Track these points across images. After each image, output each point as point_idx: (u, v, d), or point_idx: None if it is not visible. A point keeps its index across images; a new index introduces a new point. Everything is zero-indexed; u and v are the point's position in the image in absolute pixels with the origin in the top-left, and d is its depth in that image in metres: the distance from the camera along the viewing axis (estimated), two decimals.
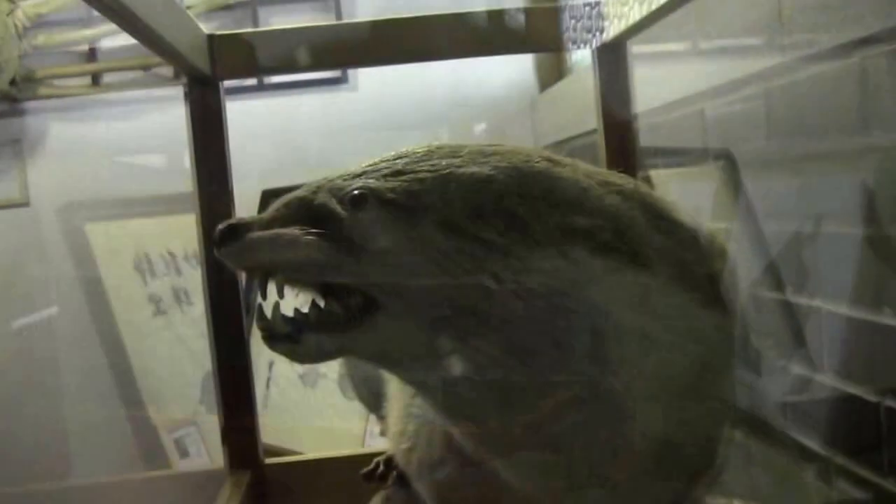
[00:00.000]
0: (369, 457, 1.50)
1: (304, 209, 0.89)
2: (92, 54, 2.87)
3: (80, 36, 2.84)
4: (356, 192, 0.88)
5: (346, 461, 1.62)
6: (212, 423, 2.68)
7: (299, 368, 2.76)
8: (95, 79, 2.88)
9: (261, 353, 2.71)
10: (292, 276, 0.88)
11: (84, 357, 2.84)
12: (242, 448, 1.58)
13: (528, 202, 0.87)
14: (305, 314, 0.88)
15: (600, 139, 1.62)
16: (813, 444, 1.27)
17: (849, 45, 1.11)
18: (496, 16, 1.61)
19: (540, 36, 1.63)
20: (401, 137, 2.94)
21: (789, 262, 1.31)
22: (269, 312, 0.88)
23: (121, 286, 2.83)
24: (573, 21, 1.66)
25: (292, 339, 0.88)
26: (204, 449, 2.77)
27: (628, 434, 0.90)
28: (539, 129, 3.07)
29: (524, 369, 0.86)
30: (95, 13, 2.83)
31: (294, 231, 0.87)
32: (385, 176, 0.89)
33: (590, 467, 0.92)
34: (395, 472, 1.39)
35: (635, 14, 1.44)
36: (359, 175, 0.90)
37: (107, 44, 2.87)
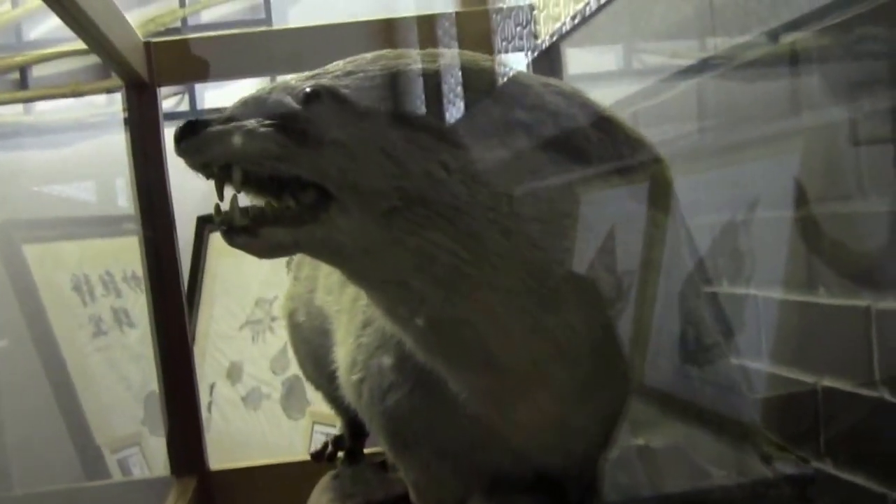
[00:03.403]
0: (312, 463, 1.52)
1: (260, 106, 0.92)
2: (23, 81, 2.84)
3: (10, 62, 2.81)
4: (309, 88, 0.91)
5: (290, 467, 1.63)
6: (154, 444, 2.65)
7: (241, 391, 2.74)
8: (27, 105, 2.85)
9: (202, 378, 2.69)
10: (249, 168, 0.89)
11: (25, 378, 2.79)
12: (188, 454, 1.58)
13: (472, 96, 0.92)
14: (262, 209, 0.91)
15: None
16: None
17: (778, 28, 1.13)
18: (426, 21, 1.63)
19: (474, 42, 1.66)
20: None
21: (723, 253, 1.32)
22: (227, 207, 0.91)
23: (60, 307, 2.79)
24: (505, 43, 1.68)
25: (250, 232, 0.90)
26: (147, 469, 2.73)
27: (572, 323, 0.93)
28: None
29: (473, 257, 0.89)
30: (25, 40, 2.83)
31: (251, 122, 0.89)
32: (337, 76, 0.93)
33: (533, 360, 0.95)
34: (342, 453, 1.43)
35: (566, 27, 1.47)
36: (312, 76, 0.94)
37: (38, 72, 2.85)
